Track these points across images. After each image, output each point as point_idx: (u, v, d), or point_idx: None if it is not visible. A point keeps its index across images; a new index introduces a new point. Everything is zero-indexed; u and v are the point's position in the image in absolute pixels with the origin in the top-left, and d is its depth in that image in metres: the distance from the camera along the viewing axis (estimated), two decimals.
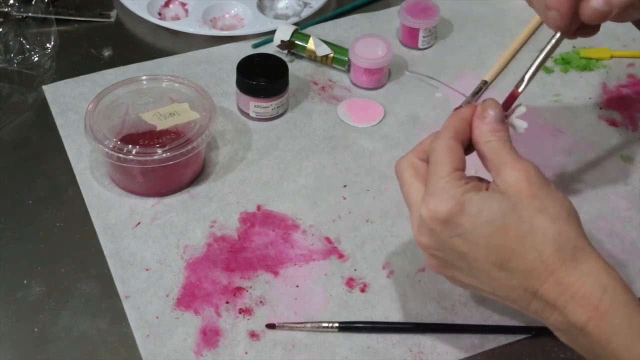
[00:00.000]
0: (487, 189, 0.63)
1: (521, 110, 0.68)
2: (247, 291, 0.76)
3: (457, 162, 0.64)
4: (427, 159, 0.66)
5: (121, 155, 0.79)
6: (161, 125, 0.83)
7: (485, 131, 0.65)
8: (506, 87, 0.96)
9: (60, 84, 0.95)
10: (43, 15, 1.00)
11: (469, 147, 0.67)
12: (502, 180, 0.62)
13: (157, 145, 0.81)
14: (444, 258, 0.64)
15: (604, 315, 0.58)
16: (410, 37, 1.00)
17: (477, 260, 0.61)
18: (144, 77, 0.88)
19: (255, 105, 0.90)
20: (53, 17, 1.00)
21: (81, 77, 0.96)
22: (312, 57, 0.98)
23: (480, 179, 0.65)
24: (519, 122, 0.68)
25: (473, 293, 0.75)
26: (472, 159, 0.67)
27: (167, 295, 0.75)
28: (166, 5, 1.06)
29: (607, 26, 1.03)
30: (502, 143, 0.64)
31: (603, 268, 0.59)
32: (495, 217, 0.60)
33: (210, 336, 0.72)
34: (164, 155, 0.80)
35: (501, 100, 0.68)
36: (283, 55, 0.97)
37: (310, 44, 0.97)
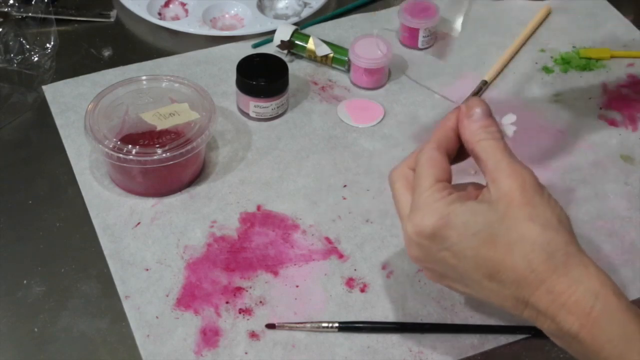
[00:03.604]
0: (475, 198, 0.62)
1: (511, 118, 0.66)
2: (247, 291, 0.76)
3: (440, 173, 0.63)
4: None
5: (121, 155, 0.79)
6: (161, 125, 0.83)
7: (475, 129, 0.63)
8: (506, 87, 0.96)
9: (60, 84, 0.95)
10: (43, 15, 1.00)
11: (460, 154, 0.66)
12: (497, 188, 0.61)
13: (157, 145, 0.81)
14: (437, 269, 0.64)
15: (596, 322, 0.57)
16: (410, 37, 1.00)
17: (467, 272, 0.61)
18: (144, 77, 0.88)
19: (255, 105, 0.90)
20: (53, 17, 1.00)
21: (81, 77, 0.96)
22: (312, 57, 0.98)
23: (475, 186, 0.65)
24: (508, 127, 0.66)
25: None
26: (468, 162, 0.67)
27: (167, 295, 0.75)
28: (166, 5, 1.06)
29: (607, 26, 1.04)
30: (495, 143, 0.63)
31: (594, 274, 0.59)
32: (482, 229, 0.59)
33: (210, 336, 0.72)
34: (164, 155, 0.80)
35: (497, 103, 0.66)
36: (283, 55, 0.97)
37: (310, 44, 0.97)
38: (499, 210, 0.60)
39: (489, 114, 0.64)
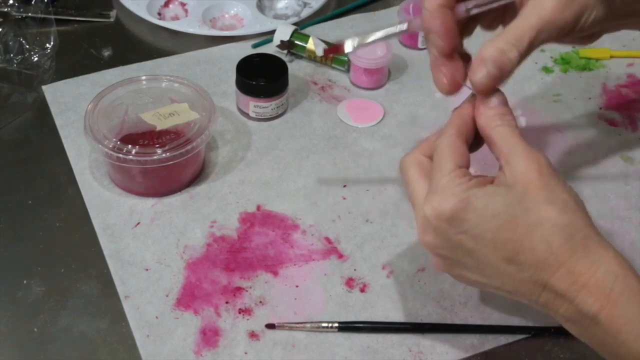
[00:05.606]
0: (492, 183, 0.62)
1: (518, 111, 0.67)
2: (246, 291, 0.76)
3: (461, 159, 0.63)
4: (432, 156, 0.65)
5: (121, 155, 0.79)
6: (161, 125, 0.83)
7: (491, 115, 0.64)
8: (506, 87, 0.96)
9: (60, 84, 0.95)
10: (43, 15, 1.00)
11: (474, 144, 0.66)
12: (512, 171, 0.61)
13: (157, 145, 0.81)
14: (450, 256, 0.63)
15: (615, 303, 0.57)
16: (410, 37, 1.00)
17: (485, 256, 0.61)
18: (143, 77, 0.88)
19: (254, 105, 0.90)
20: (53, 17, 1.00)
21: (81, 77, 0.96)
22: (312, 57, 0.98)
23: (485, 177, 0.65)
24: (518, 118, 0.67)
25: (476, 291, 0.75)
26: (473, 158, 0.67)
27: (167, 295, 0.75)
28: (166, 5, 1.06)
29: None
30: (511, 130, 0.63)
31: (614, 257, 0.59)
32: (502, 211, 0.59)
33: (210, 336, 0.72)
34: (164, 155, 0.80)
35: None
36: (283, 55, 0.97)
37: (310, 44, 0.97)
38: (517, 191, 0.60)
39: (505, 102, 0.65)
